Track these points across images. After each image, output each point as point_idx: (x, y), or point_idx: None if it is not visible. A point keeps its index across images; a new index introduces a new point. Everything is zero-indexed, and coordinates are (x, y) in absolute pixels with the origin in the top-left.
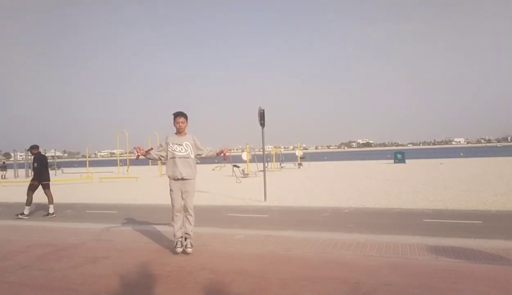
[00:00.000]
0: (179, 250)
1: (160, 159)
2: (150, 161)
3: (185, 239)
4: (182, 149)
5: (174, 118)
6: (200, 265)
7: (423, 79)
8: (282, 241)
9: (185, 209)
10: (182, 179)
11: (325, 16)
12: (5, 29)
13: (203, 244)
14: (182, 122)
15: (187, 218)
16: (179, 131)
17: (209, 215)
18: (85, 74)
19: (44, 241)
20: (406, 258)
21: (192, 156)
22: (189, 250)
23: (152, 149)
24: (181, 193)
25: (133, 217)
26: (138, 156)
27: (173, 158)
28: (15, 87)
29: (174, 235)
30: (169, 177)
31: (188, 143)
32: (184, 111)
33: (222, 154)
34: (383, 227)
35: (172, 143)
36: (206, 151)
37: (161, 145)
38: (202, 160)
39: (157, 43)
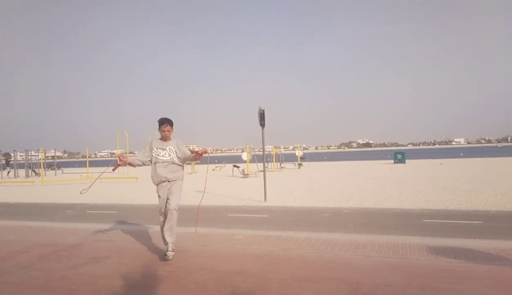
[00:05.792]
0: (169, 255)
1: (144, 164)
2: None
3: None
4: (165, 154)
5: (159, 126)
6: (200, 265)
7: (423, 79)
8: (282, 241)
9: (167, 210)
10: (168, 181)
11: (325, 16)
12: (5, 29)
13: (203, 244)
14: (167, 130)
15: (168, 225)
16: (164, 139)
17: (209, 215)
18: (85, 74)
19: (44, 241)
20: (406, 258)
21: (176, 160)
22: (169, 254)
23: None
24: (167, 199)
25: (133, 217)
26: (118, 166)
27: (157, 162)
28: (15, 87)
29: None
30: (154, 183)
31: (171, 148)
32: (170, 118)
33: (197, 155)
34: (383, 227)
35: (156, 148)
36: (189, 154)
37: (145, 151)
38: (186, 162)
39: (157, 43)
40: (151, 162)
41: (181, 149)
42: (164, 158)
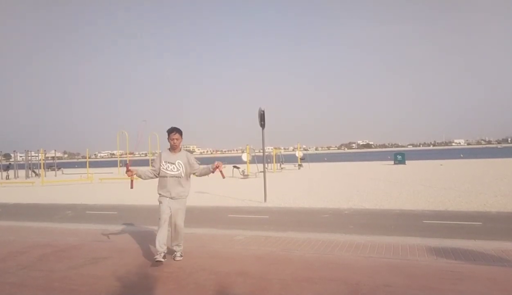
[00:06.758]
0: (159, 258)
1: (155, 176)
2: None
3: (174, 251)
4: (174, 168)
5: (168, 135)
6: (200, 266)
7: (423, 80)
8: (282, 242)
9: (174, 228)
10: (172, 198)
11: (326, 16)
12: (5, 29)
13: (203, 245)
14: (176, 139)
15: (176, 240)
16: (173, 148)
17: (209, 216)
18: (85, 74)
19: (44, 242)
20: (406, 259)
21: (184, 175)
22: (178, 258)
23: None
24: (171, 210)
25: (134, 218)
26: (132, 181)
27: (164, 176)
28: (15, 88)
29: (156, 244)
30: (159, 193)
31: (180, 162)
32: (179, 127)
33: (217, 170)
34: (383, 228)
35: (165, 162)
36: (200, 169)
37: (155, 162)
38: (197, 176)
39: (157, 43)
40: (158, 175)
41: (191, 162)
42: (172, 172)
